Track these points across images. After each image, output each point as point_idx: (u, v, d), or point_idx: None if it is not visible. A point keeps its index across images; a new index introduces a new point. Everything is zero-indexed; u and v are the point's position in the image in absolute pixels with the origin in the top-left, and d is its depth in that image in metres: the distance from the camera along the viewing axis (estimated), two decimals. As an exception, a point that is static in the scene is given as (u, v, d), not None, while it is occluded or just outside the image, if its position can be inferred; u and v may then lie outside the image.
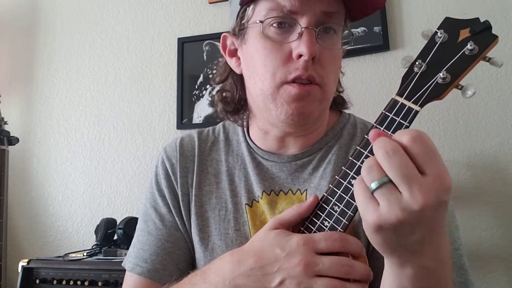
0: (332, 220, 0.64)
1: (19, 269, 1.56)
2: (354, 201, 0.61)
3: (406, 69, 0.61)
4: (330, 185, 0.65)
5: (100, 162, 2.08)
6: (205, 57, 2.00)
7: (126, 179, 2.03)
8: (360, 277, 0.60)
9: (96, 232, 1.78)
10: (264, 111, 0.82)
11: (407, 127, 0.58)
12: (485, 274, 1.55)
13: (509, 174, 1.59)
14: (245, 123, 0.94)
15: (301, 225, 0.67)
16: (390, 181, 0.50)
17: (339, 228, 0.63)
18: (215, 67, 1.96)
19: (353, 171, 0.62)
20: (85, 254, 1.65)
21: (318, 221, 0.65)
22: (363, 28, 1.76)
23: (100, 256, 1.63)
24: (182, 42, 2.04)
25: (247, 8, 0.80)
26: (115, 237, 1.71)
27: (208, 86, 1.98)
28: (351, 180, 0.62)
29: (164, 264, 0.86)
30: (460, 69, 0.57)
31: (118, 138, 2.08)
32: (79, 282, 1.50)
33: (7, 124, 1.94)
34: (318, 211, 0.66)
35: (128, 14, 2.17)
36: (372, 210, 0.51)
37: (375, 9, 0.81)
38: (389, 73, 1.76)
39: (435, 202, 0.48)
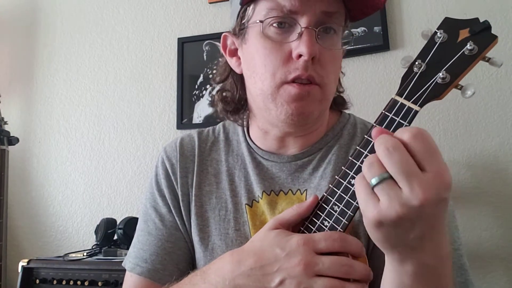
0: (332, 220, 0.64)
1: (19, 269, 1.56)
2: (354, 201, 0.61)
3: (406, 69, 0.61)
4: (330, 185, 0.65)
5: (100, 162, 2.08)
6: (205, 57, 2.00)
7: (126, 179, 2.03)
8: (360, 277, 0.60)
9: (96, 232, 1.78)
10: (264, 111, 0.82)
11: (406, 127, 0.58)
12: (485, 274, 1.55)
13: (509, 174, 1.59)
14: (245, 123, 0.94)
15: (301, 225, 0.68)
16: (391, 177, 0.50)
17: (339, 228, 0.63)
18: (215, 67, 1.96)
19: (353, 171, 0.62)
20: (85, 254, 1.65)
21: (318, 221, 0.65)
22: (363, 28, 1.76)
23: (100, 256, 1.63)
24: (182, 42, 2.04)
25: (248, 8, 0.80)
26: (115, 237, 1.71)
27: (208, 86, 1.98)
28: (351, 180, 0.62)
29: (164, 264, 0.86)
30: (459, 69, 0.57)
31: (118, 138, 2.08)
32: (79, 282, 1.50)
33: (7, 124, 1.94)
34: (318, 211, 0.66)
35: (128, 14, 2.17)
36: (373, 206, 0.51)
37: (375, 10, 0.81)
38: (389, 73, 1.76)
39: (435, 198, 0.49)
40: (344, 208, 0.63)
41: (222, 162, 0.91)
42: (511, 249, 1.55)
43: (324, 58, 0.76)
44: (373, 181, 0.51)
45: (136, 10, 2.16)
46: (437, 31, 0.59)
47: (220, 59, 0.97)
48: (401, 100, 0.59)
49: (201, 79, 1.99)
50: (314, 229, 0.65)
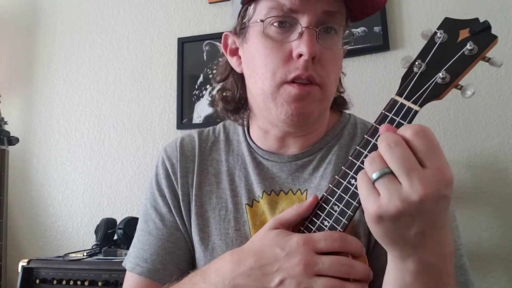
0: (332, 220, 0.64)
1: (19, 269, 1.56)
2: (354, 201, 0.61)
3: (406, 69, 0.61)
4: (330, 185, 0.65)
5: (100, 162, 2.08)
6: (205, 57, 2.00)
7: (126, 179, 2.03)
8: (360, 276, 0.60)
9: (96, 232, 1.78)
10: (264, 110, 0.82)
11: (409, 124, 0.58)
12: (485, 274, 1.55)
13: (509, 174, 1.59)
14: (245, 123, 0.94)
15: (301, 225, 0.68)
16: (392, 172, 0.51)
17: (339, 228, 0.63)
18: (215, 67, 1.96)
19: (352, 171, 0.62)
20: (85, 254, 1.65)
21: (318, 220, 0.65)
22: (363, 28, 1.76)
23: (100, 256, 1.63)
24: (182, 42, 2.04)
25: (248, 7, 0.80)
26: (115, 237, 1.71)
27: (208, 86, 1.98)
28: (350, 180, 0.62)
29: (164, 264, 0.86)
30: (459, 69, 0.57)
31: (118, 138, 2.08)
32: (79, 282, 1.50)
33: (7, 124, 1.94)
34: (318, 211, 0.66)
35: (128, 14, 2.17)
36: (373, 201, 0.52)
37: (376, 10, 0.81)
38: (389, 73, 1.76)
39: (435, 194, 0.49)
40: (344, 208, 0.63)
41: (223, 162, 0.91)
42: (511, 249, 1.55)
43: (324, 58, 0.76)
44: (374, 176, 0.52)
45: (136, 10, 2.16)
46: (437, 31, 0.59)
47: (220, 59, 0.97)
48: (401, 100, 0.59)
49: (201, 79, 1.99)
50: (314, 229, 0.65)
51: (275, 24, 0.77)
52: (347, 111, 0.96)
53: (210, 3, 2.04)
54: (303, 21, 0.75)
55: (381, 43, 1.75)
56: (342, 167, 0.63)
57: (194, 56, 2.02)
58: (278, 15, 0.76)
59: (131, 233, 1.58)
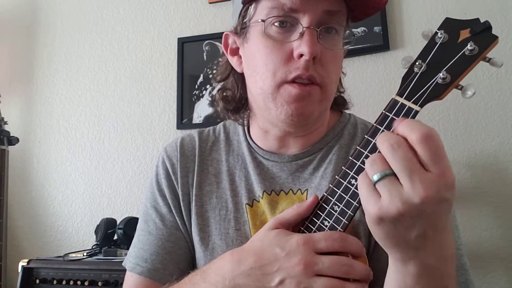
0: (332, 220, 0.64)
1: (19, 269, 1.56)
2: (354, 201, 0.61)
3: (406, 69, 0.61)
4: (330, 185, 0.65)
5: (100, 162, 2.08)
6: (205, 57, 2.00)
7: (126, 179, 2.03)
8: (360, 276, 0.60)
9: (96, 232, 1.78)
10: (264, 110, 0.82)
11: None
12: (485, 274, 1.55)
13: (509, 174, 1.59)
14: (245, 122, 0.94)
15: (301, 225, 0.68)
16: (393, 174, 0.50)
17: (339, 228, 0.63)
18: (215, 67, 1.96)
19: (353, 171, 0.62)
20: (85, 254, 1.65)
21: (318, 220, 0.65)
22: (363, 28, 1.76)
23: (100, 256, 1.63)
24: (182, 42, 2.04)
25: (249, 7, 0.80)
26: (115, 237, 1.71)
27: (208, 86, 1.98)
28: (351, 180, 0.62)
29: (165, 263, 0.86)
30: (460, 70, 0.57)
31: (118, 138, 2.08)
32: (79, 282, 1.50)
33: (7, 124, 1.94)
34: (318, 211, 0.66)
35: (128, 14, 2.17)
36: (374, 202, 0.51)
37: (377, 10, 0.81)
38: (389, 73, 1.76)
39: (436, 197, 0.48)
40: (344, 208, 0.63)
41: (223, 162, 0.91)
42: (511, 249, 1.55)
43: (325, 58, 0.76)
44: (375, 177, 0.51)
45: (136, 10, 2.16)
46: (437, 31, 0.59)
47: (220, 59, 0.98)
48: (401, 100, 0.59)
49: (201, 79, 1.99)
50: (314, 229, 0.65)
51: (276, 24, 0.77)
52: (347, 111, 0.96)
53: (210, 3, 2.04)
54: (304, 21, 0.75)
55: (381, 43, 1.75)
56: (343, 167, 0.63)
57: (194, 56, 2.02)
58: (279, 14, 0.76)
59: (131, 233, 1.58)
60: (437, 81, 0.58)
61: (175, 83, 2.03)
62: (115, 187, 2.04)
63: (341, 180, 0.63)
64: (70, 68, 2.21)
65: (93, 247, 1.75)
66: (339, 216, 0.63)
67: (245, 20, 0.82)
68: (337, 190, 0.63)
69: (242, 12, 0.82)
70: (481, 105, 1.64)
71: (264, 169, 0.88)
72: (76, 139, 2.13)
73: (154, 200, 0.91)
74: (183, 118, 1.98)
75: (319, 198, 0.67)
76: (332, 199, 0.64)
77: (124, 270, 0.90)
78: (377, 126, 0.60)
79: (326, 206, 0.65)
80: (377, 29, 1.75)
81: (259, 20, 0.78)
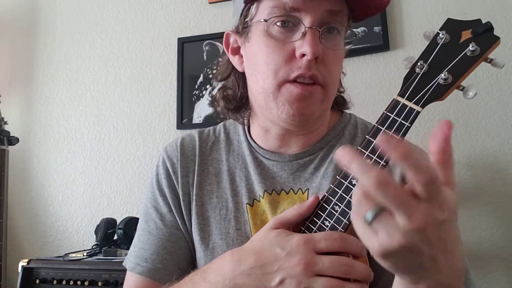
0: (333, 220, 0.64)
1: (19, 269, 1.56)
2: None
3: (408, 69, 0.61)
4: (331, 185, 0.65)
5: (100, 162, 2.08)
6: (205, 57, 2.00)
7: (126, 179, 2.03)
8: (360, 277, 0.60)
9: (96, 232, 1.78)
10: (265, 109, 0.82)
11: (408, 127, 0.58)
12: (485, 274, 1.55)
13: (509, 174, 1.59)
14: (246, 122, 0.94)
15: (301, 225, 0.68)
16: (384, 209, 0.47)
17: (340, 228, 0.63)
18: (215, 67, 1.96)
19: (354, 171, 0.62)
20: (85, 254, 1.65)
21: (319, 221, 0.65)
22: (363, 28, 1.76)
23: (100, 256, 1.63)
24: (182, 42, 2.04)
25: (251, 6, 0.80)
26: (115, 237, 1.71)
27: (208, 86, 1.98)
28: (352, 180, 0.62)
29: (165, 263, 0.86)
30: (461, 70, 0.57)
31: (118, 138, 2.08)
32: (79, 282, 1.50)
33: (7, 124, 1.94)
34: (319, 211, 0.66)
35: (128, 14, 2.17)
36: (373, 240, 0.49)
37: (379, 10, 0.81)
38: (389, 73, 1.76)
39: (434, 222, 0.46)
40: (345, 208, 0.63)
41: (223, 162, 0.91)
42: (511, 249, 1.55)
43: (327, 58, 0.76)
44: (368, 217, 0.48)
45: (136, 10, 2.16)
46: (439, 32, 0.59)
47: (220, 58, 0.98)
48: (402, 100, 0.59)
49: (201, 79, 1.99)
50: (315, 229, 0.66)
51: (278, 23, 0.77)
52: (347, 111, 0.96)
53: (210, 3, 2.04)
54: (306, 21, 0.75)
55: (381, 43, 1.75)
56: (343, 168, 0.63)
57: (194, 56, 2.01)
58: (280, 14, 0.76)
59: (131, 233, 1.58)
60: (438, 82, 0.58)
61: (175, 83, 2.02)
62: (115, 187, 2.04)
63: (342, 180, 0.63)
64: (70, 68, 2.21)
65: (93, 247, 1.75)
66: (340, 216, 0.63)
67: (246, 20, 0.82)
68: (338, 190, 0.63)
69: (244, 12, 0.82)
70: (481, 105, 1.64)
71: (264, 168, 0.88)
72: (76, 139, 2.13)
73: (155, 200, 0.91)
74: (183, 118, 1.98)
75: (320, 198, 0.67)
76: (333, 199, 0.64)
77: (124, 270, 0.90)
78: (378, 126, 0.60)
79: (327, 206, 0.65)
80: (377, 29, 1.75)
81: (261, 20, 0.78)
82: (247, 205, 0.86)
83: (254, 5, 0.80)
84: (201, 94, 1.98)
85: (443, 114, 1.66)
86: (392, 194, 0.45)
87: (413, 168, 0.44)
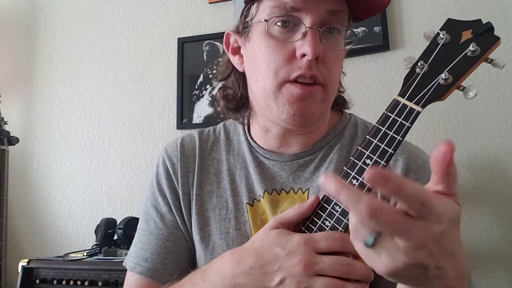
0: (333, 220, 0.64)
1: (19, 269, 1.56)
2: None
3: (408, 69, 0.61)
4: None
5: (100, 162, 2.08)
6: (205, 57, 2.00)
7: (126, 179, 2.03)
8: (361, 277, 0.60)
9: (96, 232, 1.78)
10: (265, 109, 0.82)
11: (408, 127, 0.58)
12: (485, 274, 1.55)
13: (509, 174, 1.59)
14: (246, 122, 0.94)
15: (302, 224, 0.68)
16: (381, 232, 0.47)
17: (340, 228, 0.63)
18: (215, 67, 1.96)
19: (354, 171, 0.62)
20: (85, 254, 1.65)
21: (319, 221, 0.65)
22: (363, 28, 1.76)
23: (100, 256, 1.63)
24: (182, 42, 2.04)
25: (251, 6, 0.80)
26: (115, 237, 1.71)
27: (208, 86, 1.98)
28: (352, 180, 0.62)
29: (165, 263, 0.86)
30: (462, 70, 0.57)
31: (118, 138, 2.08)
32: (79, 282, 1.50)
33: (7, 124, 1.94)
34: (319, 211, 0.66)
35: (128, 14, 2.17)
36: (377, 262, 0.48)
37: (379, 10, 0.81)
38: (389, 73, 1.76)
39: (434, 237, 0.46)
40: (345, 208, 0.63)
41: (223, 162, 0.92)
42: (511, 249, 1.55)
43: (327, 58, 0.76)
44: (368, 243, 0.47)
45: (136, 10, 2.16)
46: (439, 32, 0.59)
47: (221, 58, 0.98)
48: (403, 100, 0.59)
49: (201, 79, 1.99)
50: (315, 229, 0.66)
51: (278, 23, 0.77)
52: (347, 111, 0.96)
53: (210, 3, 2.04)
54: (307, 21, 0.75)
55: (381, 43, 1.75)
56: (344, 168, 0.63)
57: (194, 56, 2.01)
58: (281, 14, 0.76)
59: (131, 233, 1.58)
60: (439, 82, 0.58)
61: (175, 83, 2.02)
62: (115, 187, 2.04)
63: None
64: (70, 68, 2.21)
65: (93, 247, 1.75)
66: (340, 216, 0.63)
67: (247, 20, 0.82)
68: (338, 190, 0.63)
69: (244, 12, 0.82)
70: (481, 105, 1.64)
71: (264, 168, 0.88)
72: (76, 139, 2.13)
73: (155, 199, 0.91)
74: (183, 118, 1.98)
75: (320, 198, 0.67)
76: (333, 199, 0.64)
77: (124, 270, 0.90)
78: (379, 126, 0.60)
79: (327, 206, 0.65)
80: (377, 29, 1.75)
81: (262, 20, 0.78)
82: (247, 204, 0.86)
83: (255, 5, 0.80)
84: (201, 94, 1.98)
85: (443, 114, 1.67)
86: (386, 221, 0.44)
87: (404, 200, 0.44)
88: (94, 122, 2.12)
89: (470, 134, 1.64)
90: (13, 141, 1.91)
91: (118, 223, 1.71)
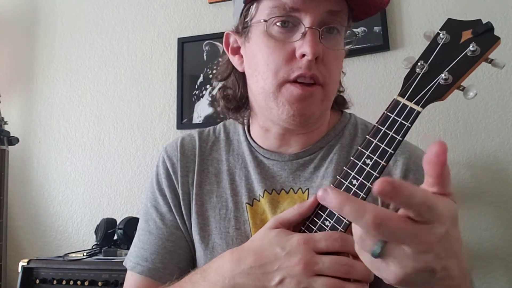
0: (333, 220, 0.64)
1: (19, 269, 1.56)
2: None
3: (408, 69, 0.61)
4: (331, 185, 0.65)
5: (100, 162, 2.08)
6: (205, 57, 2.00)
7: (126, 179, 2.03)
8: (361, 276, 0.60)
9: (96, 232, 1.78)
10: (265, 109, 0.82)
11: (408, 127, 0.58)
12: (485, 274, 1.55)
13: (509, 174, 1.59)
14: (246, 122, 0.94)
15: (302, 224, 0.68)
16: (386, 241, 0.46)
17: (340, 228, 0.63)
18: (215, 67, 1.96)
19: (354, 171, 0.62)
20: (85, 254, 1.65)
21: (319, 220, 0.65)
22: (363, 28, 1.76)
23: (100, 256, 1.63)
24: (182, 42, 2.04)
25: (251, 6, 0.80)
26: (115, 237, 1.71)
27: (208, 86, 1.98)
28: (352, 180, 0.62)
29: (165, 263, 0.86)
30: (462, 70, 0.57)
31: (118, 138, 2.08)
32: (79, 282, 1.50)
33: (7, 124, 1.94)
34: (319, 211, 0.66)
35: (128, 14, 2.17)
36: (386, 271, 0.48)
37: (379, 10, 0.81)
38: (389, 73, 1.76)
39: (438, 239, 0.46)
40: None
41: (223, 162, 0.92)
42: (511, 249, 1.55)
43: (327, 58, 0.76)
44: (375, 252, 0.47)
45: (136, 10, 2.16)
46: (439, 32, 0.59)
47: (220, 58, 0.98)
48: (403, 100, 0.59)
49: (201, 79, 1.99)
50: (315, 229, 0.66)
51: (278, 23, 0.77)
52: (347, 111, 0.96)
53: (210, 3, 2.04)
54: (306, 21, 0.75)
55: (381, 43, 1.75)
56: (344, 168, 0.63)
57: (194, 56, 2.01)
58: (280, 14, 0.76)
59: (131, 233, 1.58)
60: (439, 82, 0.58)
61: (175, 83, 2.02)
62: (115, 187, 2.04)
63: (342, 180, 0.63)
64: (70, 68, 2.21)
65: (93, 247, 1.75)
66: (340, 216, 0.63)
67: (246, 20, 0.82)
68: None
69: (244, 12, 0.82)
70: (481, 105, 1.64)
71: (264, 168, 0.88)
72: (76, 139, 2.13)
73: (155, 199, 0.92)
74: (183, 118, 1.98)
75: (320, 198, 0.67)
76: (333, 199, 0.64)
77: (124, 270, 0.90)
78: (379, 126, 0.60)
79: (327, 206, 0.65)
80: (377, 29, 1.75)
81: (261, 20, 0.78)
82: (247, 204, 0.86)
83: (254, 5, 0.80)
84: (201, 94, 1.98)
85: (443, 114, 1.66)
86: (392, 229, 0.44)
87: (414, 208, 0.44)
88: (94, 122, 2.12)
89: (470, 134, 1.64)
90: (13, 141, 1.91)
91: (118, 223, 1.71)
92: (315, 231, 0.65)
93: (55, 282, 1.53)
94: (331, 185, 0.82)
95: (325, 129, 0.90)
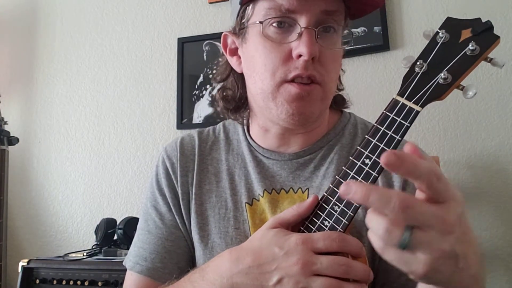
0: (332, 220, 0.64)
1: (19, 269, 1.56)
2: (354, 202, 0.61)
3: (407, 69, 0.60)
4: (330, 185, 0.65)
5: (100, 162, 2.08)
6: (205, 57, 2.00)
7: (126, 179, 2.03)
8: (359, 277, 0.60)
9: (96, 232, 1.79)
10: (264, 109, 0.82)
11: (408, 127, 0.58)
12: (485, 274, 1.55)
13: (509, 174, 1.59)
14: (245, 122, 0.94)
15: (301, 224, 0.68)
16: (412, 229, 0.46)
17: (339, 228, 0.63)
18: (215, 67, 1.96)
19: (353, 171, 0.62)
20: (85, 254, 1.65)
21: (318, 221, 0.65)
22: (363, 28, 1.76)
23: (100, 256, 1.63)
24: (182, 42, 2.04)
25: (247, 8, 0.80)
26: (115, 237, 1.71)
27: (208, 86, 1.98)
28: (351, 180, 0.62)
29: (164, 262, 0.86)
30: (461, 70, 0.57)
31: (118, 138, 2.08)
32: (79, 282, 1.50)
33: (7, 124, 1.94)
34: (318, 211, 0.66)
35: (128, 14, 2.17)
36: (415, 263, 0.48)
37: (375, 8, 0.81)
38: (389, 73, 1.76)
39: (458, 218, 0.47)
40: (344, 208, 0.63)
41: (222, 161, 0.92)
42: (511, 249, 1.55)
43: (324, 57, 0.76)
44: (404, 240, 0.46)
45: (136, 10, 2.16)
46: (439, 31, 0.59)
47: (220, 59, 0.98)
48: (402, 100, 0.59)
49: (201, 79, 1.99)
50: (314, 229, 0.65)
51: (274, 24, 0.77)
52: (347, 110, 0.96)
53: (210, 3, 2.04)
54: (302, 21, 0.74)
55: (381, 43, 1.75)
56: (343, 167, 0.63)
57: (194, 56, 2.02)
58: (276, 15, 0.76)
59: (131, 233, 1.58)
60: (438, 81, 0.57)
61: (175, 83, 2.03)
62: (115, 187, 2.04)
63: (341, 180, 0.63)
64: (70, 68, 2.21)
65: (93, 247, 1.75)
66: (339, 216, 0.63)
67: (243, 21, 0.82)
68: (337, 190, 0.63)
69: (240, 13, 0.82)
70: (481, 105, 1.64)
71: (264, 167, 0.88)
72: (76, 139, 2.13)
73: (154, 199, 0.92)
74: (183, 118, 1.98)
75: (319, 198, 0.67)
76: (332, 199, 0.64)
77: (124, 270, 0.90)
78: (378, 126, 0.60)
79: (326, 206, 0.65)
80: (377, 29, 1.75)
81: (257, 22, 0.78)
82: (246, 204, 0.86)
83: (250, 6, 0.79)
84: (201, 94, 1.98)
85: (443, 114, 1.67)
86: (419, 211, 0.45)
87: (422, 178, 0.46)
88: (94, 122, 2.13)
89: (470, 134, 1.64)
90: (13, 141, 1.91)
91: (118, 223, 1.71)
92: (314, 231, 0.65)
93: (55, 282, 1.53)
94: (333, 173, 0.82)
95: (325, 129, 0.89)
